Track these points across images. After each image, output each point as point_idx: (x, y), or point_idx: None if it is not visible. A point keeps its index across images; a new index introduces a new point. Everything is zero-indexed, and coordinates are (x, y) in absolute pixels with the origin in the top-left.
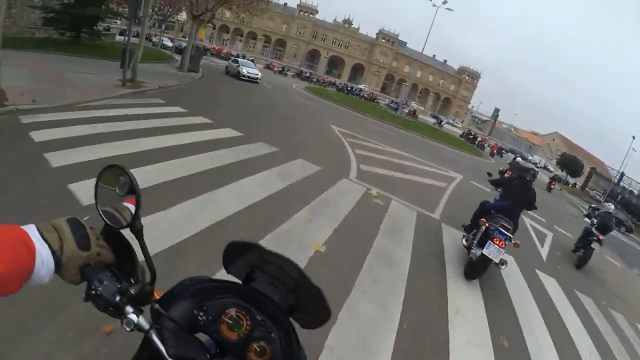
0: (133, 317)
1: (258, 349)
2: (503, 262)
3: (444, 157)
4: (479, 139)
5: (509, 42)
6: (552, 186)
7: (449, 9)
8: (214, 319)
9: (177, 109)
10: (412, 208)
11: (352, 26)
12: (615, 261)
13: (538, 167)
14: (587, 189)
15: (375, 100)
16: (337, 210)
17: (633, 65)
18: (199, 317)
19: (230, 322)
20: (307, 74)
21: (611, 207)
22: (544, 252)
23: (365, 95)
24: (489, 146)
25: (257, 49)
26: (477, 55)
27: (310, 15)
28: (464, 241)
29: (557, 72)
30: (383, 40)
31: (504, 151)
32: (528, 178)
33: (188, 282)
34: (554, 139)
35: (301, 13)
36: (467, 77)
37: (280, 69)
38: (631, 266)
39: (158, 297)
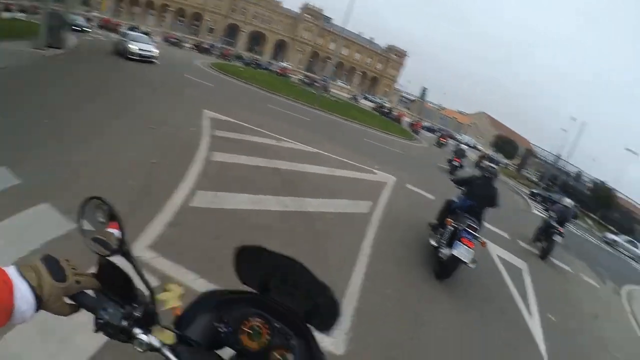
0: (143, 337)
1: (280, 358)
2: (474, 262)
3: (366, 144)
4: (395, 113)
5: (439, 21)
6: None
7: None
8: (235, 330)
9: None
10: None
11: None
12: (589, 279)
13: (468, 147)
14: (522, 170)
15: (287, 76)
16: None
17: (569, 49)
18: (220, 330)
19: (250, 332)
20: (207, 46)
21: (567, 201)
22: (535, 325)
23: (278, 71)
24: (412, 124)
25: (167, 23)
26: (405, 34)
27: None
28: (432, 241)
29: (491, 53)
30: (307, 16)
31: (424, 129)
32: (488, 176)
33: (206, 296)
34: (481, 119)
35: None
36: (394, 56)
37: (176, 40)
38: (604, 279)
39: (179, 314)
